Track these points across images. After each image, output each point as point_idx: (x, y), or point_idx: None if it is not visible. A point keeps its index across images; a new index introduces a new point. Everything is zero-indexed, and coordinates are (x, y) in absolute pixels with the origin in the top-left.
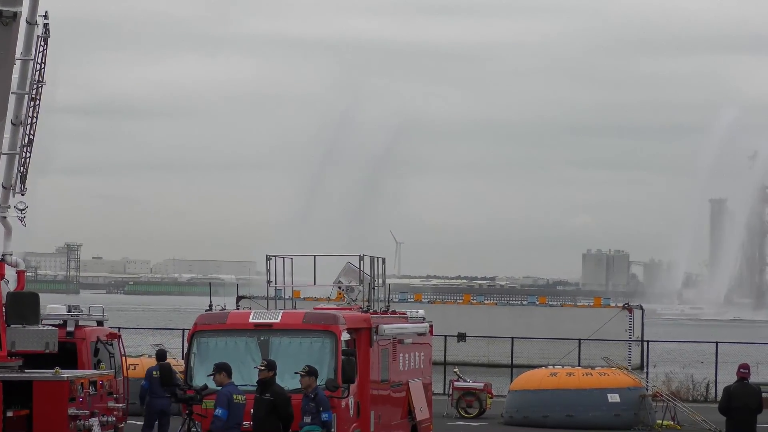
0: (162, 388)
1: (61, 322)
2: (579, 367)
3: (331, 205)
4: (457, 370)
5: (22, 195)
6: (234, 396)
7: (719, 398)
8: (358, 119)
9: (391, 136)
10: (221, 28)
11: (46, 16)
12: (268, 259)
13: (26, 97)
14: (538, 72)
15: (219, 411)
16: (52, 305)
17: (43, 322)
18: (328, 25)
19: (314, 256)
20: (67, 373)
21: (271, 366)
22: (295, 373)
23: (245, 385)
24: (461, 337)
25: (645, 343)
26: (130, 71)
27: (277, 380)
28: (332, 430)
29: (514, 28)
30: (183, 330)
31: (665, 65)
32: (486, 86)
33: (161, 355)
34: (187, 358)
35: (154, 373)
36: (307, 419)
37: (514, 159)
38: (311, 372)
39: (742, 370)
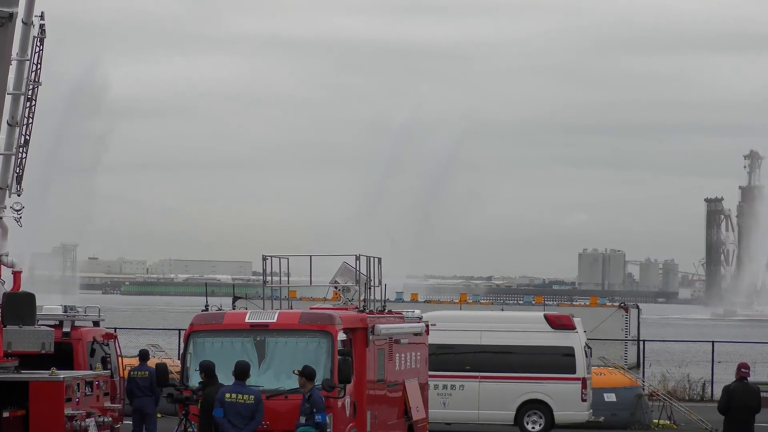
0: (146, 389)
1: (58, 322)
2: None
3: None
4: None
5: (18, 195)
6: (226, 395)
7: (716, 397)
8: (350, 120)
9: (391, 138)
10: (210, 27)
11: (42, 17)
12: (264, 259)
13: (22, 97)
14: (528, 71)
15: (214, 412)
16: (49, 305)
17: (40, 322)
18: (316, 24)
19: (310, 256)
20: (63, 374)
21: (201, 368)
22: (293, 372)
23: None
24: None
25: (641, 343)
26: (119, 70)
27: (274, 380)
28: (328, 431)
29: (502, 27)
30: (179, 330)
31: (656, 64)
32: (475, 85)
33: (144, 354)
34: (183, 358)
35: (133, 373)
36: (302, 419)
37: (507, 158)
38: (302, 372)
39: (742, 369)
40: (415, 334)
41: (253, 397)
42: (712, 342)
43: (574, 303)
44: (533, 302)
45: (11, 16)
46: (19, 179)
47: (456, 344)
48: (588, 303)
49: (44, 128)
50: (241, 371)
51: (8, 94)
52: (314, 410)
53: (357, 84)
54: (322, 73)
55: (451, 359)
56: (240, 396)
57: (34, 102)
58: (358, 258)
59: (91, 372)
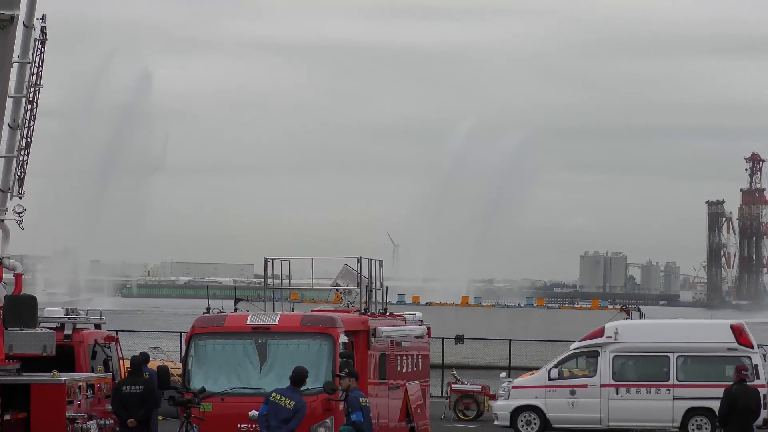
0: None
1: (59, 325)
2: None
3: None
4: (454, 372)
5: (20, 198)
6: (272, 395)
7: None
8: (344, 123)
9: (394, 143)
10: (204, 31)
11: (43, 20)
12: (266, 261)
13: (23, 100)
14: (527, 74)
15: (260, 408)
16: (50, 308)
17: (41, 325)
18: (309, 28)
19: (311, 258)
20: (64, 376)
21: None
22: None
23: (243, 388)
24: (459, 339)
25: None
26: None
27: (275, 383)
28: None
29: (498, 30)
30: (181, 333)
31: (657, 67)
32: (472, 89)
33: (144, 357)
34: (184, 360)
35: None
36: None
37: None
38: (347, 374)
39: (742, 372)
40: (417, 337)
41: (294, 403)
42: None
43: (575, 306)
44: (534, 304)
45: (12, 19)
46: (20, 182)
47: None
48: (589, 306)
49: (100, 133)
50: (295, 376)
51: (9, 96)
52: (350, 410)
53: (351, 88)
54: (319, 76)
55: None
56: (282, 398)
57: (35, 105)
58: (359, 260)
59: (92, 375)
